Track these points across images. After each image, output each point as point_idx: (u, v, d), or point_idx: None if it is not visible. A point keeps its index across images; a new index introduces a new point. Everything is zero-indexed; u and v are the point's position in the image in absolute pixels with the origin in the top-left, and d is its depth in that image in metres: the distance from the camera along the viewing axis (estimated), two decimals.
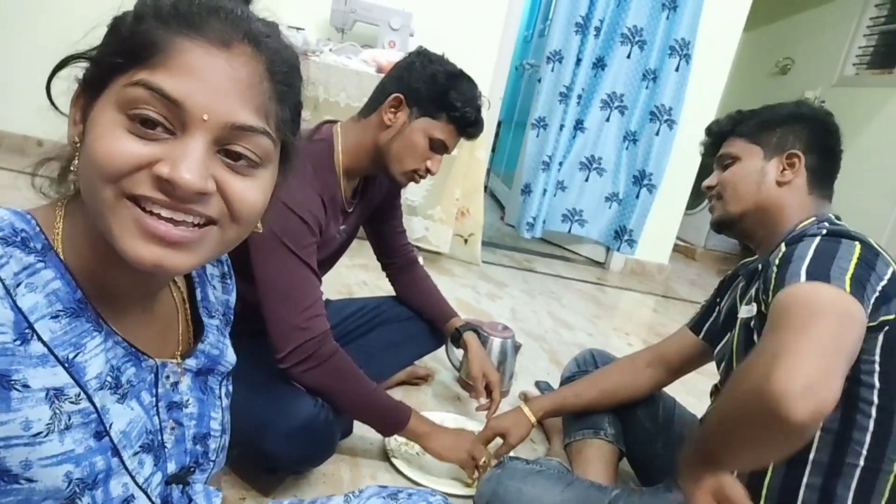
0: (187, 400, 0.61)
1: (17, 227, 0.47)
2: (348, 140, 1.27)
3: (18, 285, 0.45)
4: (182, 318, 0.64)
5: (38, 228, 0.49)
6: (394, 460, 1.36)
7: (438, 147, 1.27)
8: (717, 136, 1.18)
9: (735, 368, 1.03)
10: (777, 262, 0.90)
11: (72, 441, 0.48)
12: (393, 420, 1.24)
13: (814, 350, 0.71)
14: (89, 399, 0.49)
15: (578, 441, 1.37)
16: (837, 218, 1.02)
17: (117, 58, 0.46)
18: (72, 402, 0.48)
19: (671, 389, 1.42)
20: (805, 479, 0.89)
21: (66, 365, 0.48)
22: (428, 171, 1.29)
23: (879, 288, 0.83)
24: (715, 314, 1.25)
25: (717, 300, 1.26)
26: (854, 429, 0.87)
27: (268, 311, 1.13)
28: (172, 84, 0.44)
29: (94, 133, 0.46)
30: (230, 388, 0.71)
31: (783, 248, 0.92)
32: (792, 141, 1.08)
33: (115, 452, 0.52)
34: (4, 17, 2.87)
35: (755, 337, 0.94)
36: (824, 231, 0.91)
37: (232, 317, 0.72)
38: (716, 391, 1.17)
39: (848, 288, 0.78)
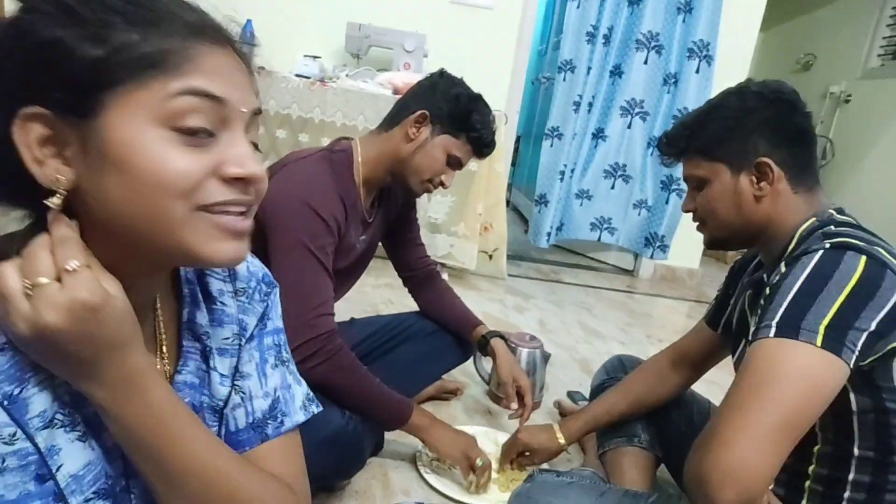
0: None
1: None
2: (369, 151, 1.32)
3: None
4: (168, 342, 0.58)
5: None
6: (425, 475, 1.35)
7: (454, 163, 1.35)
8: (674, 155, 1.09)
9: None
10: (770, 287, 0.87)
11: (2, 486, 0.44)
12: (396, 414, 1.25)
13: (747, 433, 0.74)
14: (29, 438, 0.45)
15: (612, 450, 1.34)
16: (840, 211, 0.96)
17: (140, 70, 0.44)
18: (6, 443, 0.44)
19: (705, 390, 1.38)
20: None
21: (5, 402, 0.44)
22: (441, 184, 1.36)
23: (880, 318, 0.78)
24: (729, 309, 1.20)
25: (730, 291, 1.22)
26: (892, 453, 0.86)
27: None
28: (214, 86, 0.47)
29: (145, 157, 0.44)
30: (229, 408, 0.63)
31: (782, 268, 0.88)
32: (754, 146, 0.97)
33: (61, 497, 0.47)
34: None
35: None
36: (826, 245, 0.84)
37: (270, 328, 0.67)
38: None
39: (819, 341, 0.76)
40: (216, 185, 0.47)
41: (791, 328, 0.78)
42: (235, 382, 0.64)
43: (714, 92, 3.24)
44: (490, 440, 1.53)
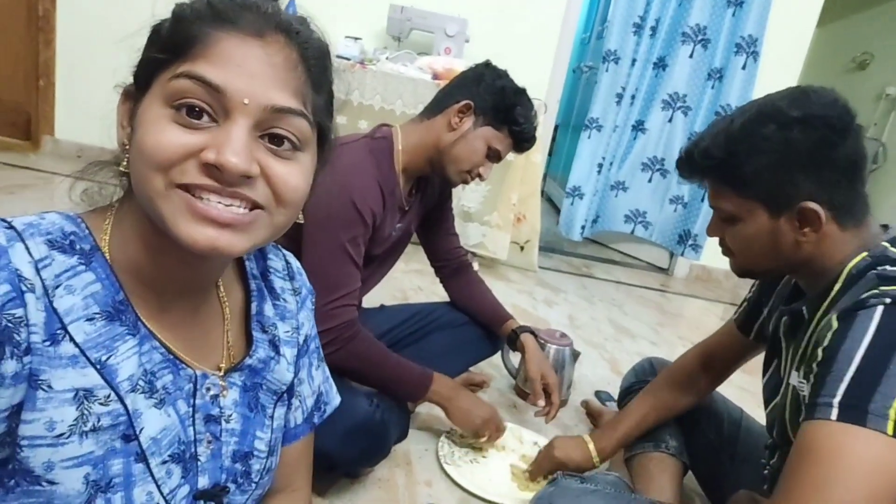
0: (230, 415, 0.60)
1: (66, 231, 0.50)
2: (410, 139, 1.31)
3: (58, 286, 0.47)
4: (234, 331, 0.63)
5: (87, 231, 0.51)
6: (446, 467, 1.35)
7: (493, 156, 1.35)
8: (698, 173, 0.95)
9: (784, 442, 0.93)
10: (822, 349, 0.77)
11: (93, 443, 0.48)
12: (417, 386, 1.28)
13: None
14: (120, 400, 0.50)
15: (639, 454, 1.31)
16: (894, 242, 0.84)
17: (159, 55, 0.48)
18: (101, 404, 0.48)
19: (737, 397, 1.34)
20: None
21: (98, 366, 0.48)
22: (479, 176, 1.35)
23: None
24: (762, 318, 1.14)
25: (762, 299, 1.14)
26: None
27: None
28: (214, 72, 0.46)
29: (142, 128, 0.48)
30: (291, 411, 0.70)
31: (833, 321, 0.77)
32: (796, 187, 0.83)
33: (142, 458, 0.51)
34: (94, 37, 3.05)
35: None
36: (887, 301, 0.74)
37: (308, 332, 0.71)
38: (769, 448, 1.05)
39: (891, 429, 0.67)
40: (193, 166, 0.47)
41: (856, 411, 0.69)
42: (295, 388, 0.70)
43: (759, 89, 3.18)
44: (514, 436, 1.52)
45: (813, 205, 0.83)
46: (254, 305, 0.64)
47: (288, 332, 0.67)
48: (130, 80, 0.52)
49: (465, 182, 1.36)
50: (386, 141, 1.29)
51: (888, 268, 0.80)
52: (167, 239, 0.48)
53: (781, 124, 0.83)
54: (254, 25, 0.48)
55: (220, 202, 0.47)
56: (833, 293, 0.85)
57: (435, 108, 1.33)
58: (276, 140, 0.50)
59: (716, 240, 0.98)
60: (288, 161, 0.51)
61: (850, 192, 0.84)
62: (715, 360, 1.27)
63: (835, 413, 0.71)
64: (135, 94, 0.51)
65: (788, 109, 0.83)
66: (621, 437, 1.29)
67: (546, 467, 1.31)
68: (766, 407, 1.05)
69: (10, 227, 0.47)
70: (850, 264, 0.84)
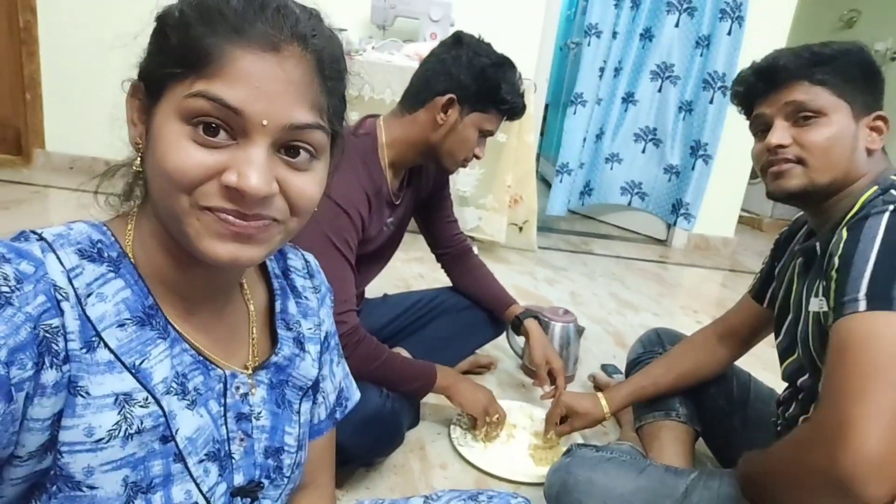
0: (259, 412, 0.61)
1: (93, 239, 0.51)
2: (394, 133, 1.28)
3: (90, 295, 0.48)
4: (259, 330, 0.64)
5: (112, 238, 0.52)
6: (460, 449, 1.37)
7: (486, 134, 1.32)
8: (784, 78, 0.95)
9: (811, 369, 0.96)
10: (838, 257, 0.81)
11: (136, 445, 0.49)
12: (424, 382, 1.30)
13: (878, 423, 0.68)
14: (157, 402, 0.51)
15: (650, 423, 1.33)
16: None
17: (173, 68, 0.47)
18: (141, 406, 0.50)
19: (744, 362, 1.36)
20: None
21: (133, 370, 0.50)
22: (475, 156, 1.33)
23: None
24: (775, 282, 1.16)
25: (775, 263, 1.18)
26: None
27: None
28: (231, 93, 0.45)
29: (161, 145, 0.47)
30: (316, 406, 0.71)
31: (844, 233, 0.83)
32: (877, 99, 0.94)
33: (180, 458, 0.53)
34: (79, 47, 3.03)
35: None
36: (892, 206, 0.81)
37: (328, 329, 0.72)
38: (783, 403, 1.08)
39: None
40: (214, 188, 0.47)
41: (883, 299, 0.74)
42: (320, 384, 0.71)
43: (746, 54, 3.17)
44: (525, 415, 1.53)
45: (884, 114, 0.93)
46: (278, 304, 0.65)
47: (311, 328, 0.68)
48: (135, 76, 0.51)
49: (463, 167, 1.35)
50: (369, 137, 1.27)
51: (892, 191, 0.86)
52: (187, 250, 0.49)
53: (863, 51, 0.94)
54: (268, 38, 0.47)
55: (240, 215, 0.48)
56: (846, 220, 0.87)
57: (415, 99, 1.28)
58: (293, 151, 0.50)
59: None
60: (304, 172, 0.51)
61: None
62: (733, 332, 1.28)
63: (862, 305, 0.75)
64: (144, 92, 0.50)
65: (861, 45, 0.95)
66: (635, 389, 1.31)
67: (557, 413, 1.34)
68: (781, 364, 1.07)
69: (42, 238, 0.48)
70: (864, 197, 0.88)
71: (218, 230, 0.48)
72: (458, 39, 1.28)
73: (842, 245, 0.83)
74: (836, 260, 0.82)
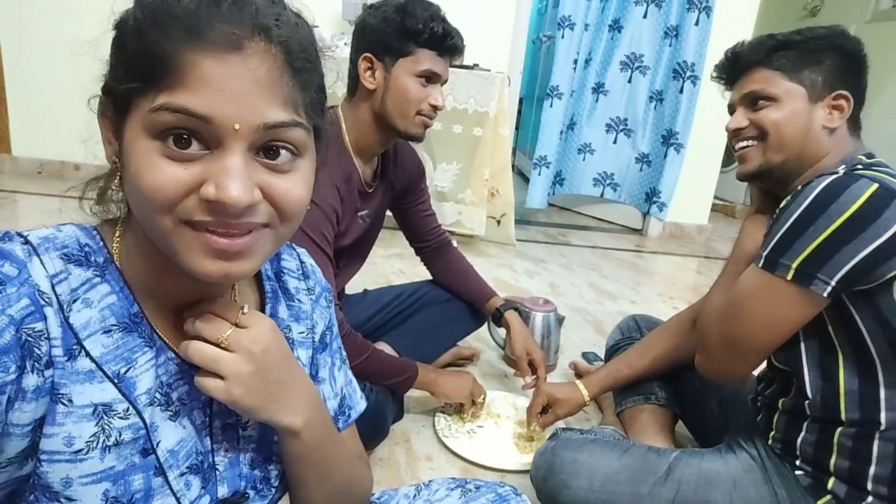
0: (246, 422, 0.59)
1: (81, 243, 0.49)
2: (349, 120, 1.28)
3: (75, 301, 0.47)
4: None
5: (101, 243, 0.51)
6: (445, 440, 1.38)
7: (431, 78, 1.24)
8: (745, 66, 1.04)
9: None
10: (777, 211, 0.92)
11: (114, 458, 0.48)
12: (405, 378, 1.32)
13: (721, 348, 0.99)
14: (139, 414, 0.49)
15: (631, 408, 1.35)
16: (869, 156, 0.95)
17: (133, 82, 0.44)
18: (121, 418, 0.48)
19: None
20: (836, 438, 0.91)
21: (116, 380, 0.48)
22: (434, 107, 1.25)
23: (875, 246, 0.80)
24: None
25: None
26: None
27: None
28: (196, 101, 0.42)
29: (134, 164, 0.45)
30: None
31: (798, 189, 0.91)
32: (839, 79, 0.97)
33: (160, 472, 0.51)
34: (42, 48, 2.97)
35: None
36: (839, 171, 0.87)
37: (322, 331, 0.69)
38: (763, 380, 1.11)
39: (791, 275, 0.86)
40: (195, 202, 0.44)
41: (773, 260, 0.88)
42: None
43: (714, 44, 3.22)
44: (508, 404, 1.55)
45: (847, 93, 0.98)
46: (267, 308, 0.63)
47: (302, 332, 0.66)
48: (99, 91, 0.48)
49: (426, 125, 1.27)
50: (333, 128, 1.25)
51: (860, 165, 0.91)
52: (174, 263, 0.48)
53: (840, 34, 1.00)
54: (229, 38, 0.43)
55: (226, 231, 0.46)
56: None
57: (351, 81, 1.27)
58: (273, 153, 0.47)
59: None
60: (287, 174, 0.48)
61: (860, 104, 1.00)
62: None
63: (761, 262, 0.90)
64: (112, 108, 0.47)
65: (832, 27, 1.01)
66: (611, 373, 1.35)
67: (539, 403, 1.37)
68: None
69: (27, 241, 0.47)
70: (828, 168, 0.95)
71: (206, 247, 0.46)
72: (364, 8, 1.26)
73: (785, 202, 0.92)
74: (777, 211, 0.92)
